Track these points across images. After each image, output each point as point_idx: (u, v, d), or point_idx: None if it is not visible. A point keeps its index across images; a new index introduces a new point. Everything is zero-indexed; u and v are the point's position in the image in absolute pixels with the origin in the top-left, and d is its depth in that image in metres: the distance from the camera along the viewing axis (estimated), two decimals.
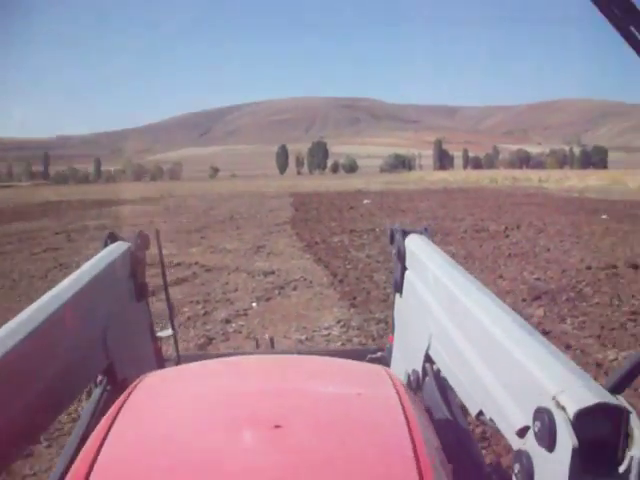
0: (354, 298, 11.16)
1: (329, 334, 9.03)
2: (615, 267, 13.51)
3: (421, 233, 3.26)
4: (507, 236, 19.54)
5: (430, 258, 2.81)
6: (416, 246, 3.07)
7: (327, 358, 2.48)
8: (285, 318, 10.05)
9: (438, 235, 19.01)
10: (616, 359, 7.72)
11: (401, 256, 3.19)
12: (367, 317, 9.73)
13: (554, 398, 1.36)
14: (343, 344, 8.41)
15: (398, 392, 1.81)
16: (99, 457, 1.44)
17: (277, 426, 1.50)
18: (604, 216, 24.97)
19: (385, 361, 3.47)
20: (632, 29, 1.24)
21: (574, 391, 1.35)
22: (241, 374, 2.10)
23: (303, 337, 8.90)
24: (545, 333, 8.78)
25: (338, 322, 9.61)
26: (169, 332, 4.37)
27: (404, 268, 3.17)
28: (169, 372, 2.54)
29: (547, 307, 10.27)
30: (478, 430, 5.29)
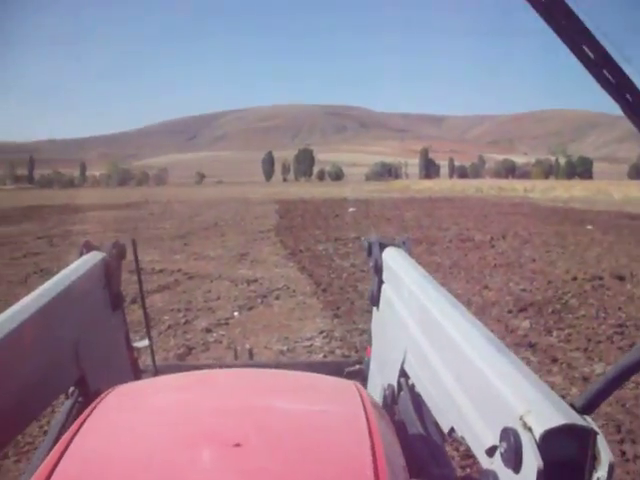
0: (337, 308, 11.01)
1: (311, 345, 8.86)
2: (601, 278, 13.44)
3: (399, 246, 3.20)
4: (493, 246, 19.45)
5: (406, 272, 2.76)
6: (393, 259, 3.02)
7: (299, 373, 2.42)
8: (267, 328, 9.88)
9: (423, 244, 18.97)
10: (603, 373, 7.56)
11: (378, 269, 3.13)
12: (350, 328, 9.56)
13: (521, 418, 1.33)
14: (325, 355, 8.27)
15: (365, 409, 1.75)
16: (54, 474, 1.38)
17: (237, 444, 1.44)
18: (589, 227, 25.01)
19: (363, 374, 3.44)
20: (605, 72, 1.24)
21: (541, 411, 1.32)
22: (209, 389, 2.05)
23: (284, 348, 8.73)
24: (531, 346, 8.69)
25: (321, 333, 9.44)
26: (146, 342, 4.29)
27: (381, 281, 3.12)
28: (136, 385, 2.44)
29: (533, 319, 10.15)
30: (462, 448, 5.16)
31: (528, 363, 7.96)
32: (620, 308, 10.82)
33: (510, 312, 10.64)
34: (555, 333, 9.40)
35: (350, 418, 1.76)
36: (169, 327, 9.93)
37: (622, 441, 5.90)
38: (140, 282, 3.89)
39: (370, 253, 3.24)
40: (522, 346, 8.58)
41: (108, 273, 3.22)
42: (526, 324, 9.82)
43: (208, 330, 9.77)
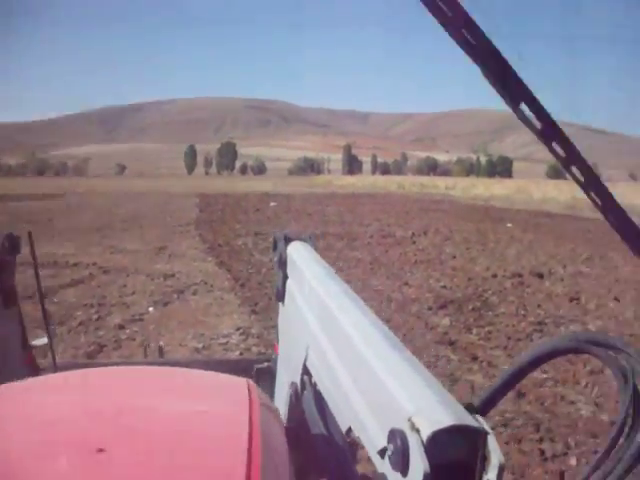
0: (255, 304, 10.77)
1: (227, 342, 8.62)
2: (520, 276, 13.56)
3: (305, 240, 3.12)
4: (414, 242, 19.53)
5: (308, 267, 2.67)
6: (298, 254, 2.92)
7: (191, 371, 2.26)
8: (182, 324, 9.58)
9: (344, 240, 18.94)
10: None
11: (282, 264, 3.04)
12: (268, 325, 9.32)
13: (409, 419, 1.25)
14: (241, 353, 8.08)
15: (251, 409, 1.66)
16: None
17: (100, 450, 1.31)
18: (509, 224, 25.44)
19: (271, 371, 3.36)
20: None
21: (430, 412, 1.25)
22: (86, 389, 1.88)
23: (200, 345, 8.47)
24: (451, 343, 8.63)
25: (237, 329, 9.21)
26: (44, 340, 4.11)
27: (285, 276, 3.02)
28: (11, 386, 2.10)
29: (453, 316, 10.11)
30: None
31: (448, 361, 7.92)
32: (539, 305, 10.91)
33: (430, 309, 10.58)
34: (475, 331, 9.37)
35: (231, 419, 1.66)
36: (80, 323, 9.54)
37: (541, 440, 5.85)
38: (37, 276, 3.58)
39: (275, 247, 3.16)
40: (442, 344, 8.53)
41: None
42: (446, 321, 9.76)
43: (121, 326, 9.41)
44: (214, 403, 1.82)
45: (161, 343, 6.03)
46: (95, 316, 10.00)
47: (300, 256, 2.88)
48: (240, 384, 1.95)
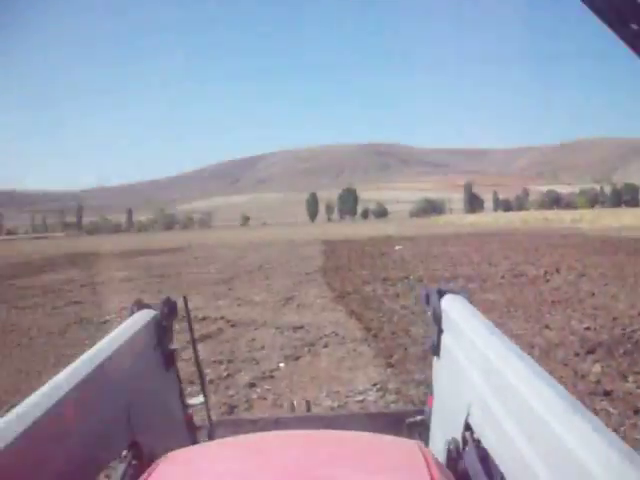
0: (390, 356, 10.23)
1: (364, 400, 8.17)
2: None
3: (458, 293, 3.11)
4: (547, 281, 18.70)
5: (467, 321, 2.67)
6: (452, 307, 2.93)
7: (358, 434, 2.31)
8: (315, 380, 9.20)
9: (476, 281, 18.32)
10: None
11: (437, 318, 3.05)
12: (405, 378, 8.85)
13: None
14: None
15: (431, 474, 1.66)
16: None
17: None
18: None
19: (425, 425, 3.33)
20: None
21: (622, 476, 1.20)
22: (265, 454, 1.99)
23: (335, 404, 8.04)
24: (606, 394, 7.87)
25: (374, 385, 8.74)
26: (200, 399, 4.24)
27: (440, 330, 3.03)
28: (190, 452, 2.27)
29: (604, 362, 9.31)
30: None
31: (608, 415, 7.17)
32: None
33: (577, 355, 9.78)
34: (631, 378, 8.52)
35: None
36: (210, 382, 9.29)
37: None
38: (193, 341, 3.86)
39: (428, 301, 3.16)
40: (596, 394, 7.79)
41: (160, 331, 3.21)
42: (597, 368, 8.98)
43: (252, 385, 9.13)
44: (394, 468, 1.79)
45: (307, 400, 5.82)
46: (225, 373, 9.81)
47: (456, 310, 2.85)
48: (413, 447, 1.96)
